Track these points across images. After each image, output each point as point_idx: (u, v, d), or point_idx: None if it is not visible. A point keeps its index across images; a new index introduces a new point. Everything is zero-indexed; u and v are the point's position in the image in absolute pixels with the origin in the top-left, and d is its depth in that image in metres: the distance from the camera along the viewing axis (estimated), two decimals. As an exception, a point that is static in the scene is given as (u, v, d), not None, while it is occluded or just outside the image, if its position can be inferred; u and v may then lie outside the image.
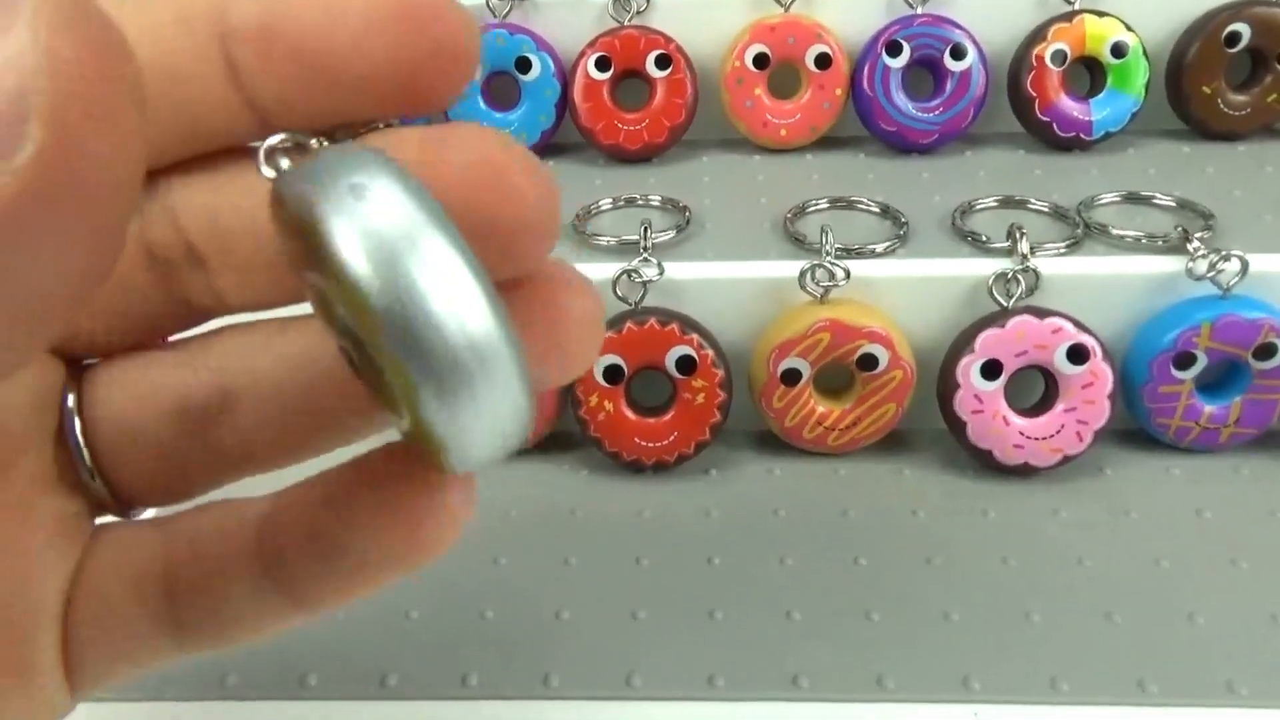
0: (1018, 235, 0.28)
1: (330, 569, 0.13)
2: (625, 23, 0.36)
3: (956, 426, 0.28)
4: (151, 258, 0.13)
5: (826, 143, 0.37)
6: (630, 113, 0.36)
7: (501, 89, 0.37)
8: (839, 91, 0.35)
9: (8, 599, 0.13)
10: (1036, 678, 0.22)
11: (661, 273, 0.28)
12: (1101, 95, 0.35)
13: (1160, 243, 0.28)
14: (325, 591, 0.13)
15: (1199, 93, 0.34)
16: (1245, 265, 0.27)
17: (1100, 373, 0.27)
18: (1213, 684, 0.22)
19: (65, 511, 0.13)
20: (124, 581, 0.13)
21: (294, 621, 0.14)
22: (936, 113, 0.35)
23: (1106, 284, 0.28)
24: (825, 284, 0.28)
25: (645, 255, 0.29)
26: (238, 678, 0.23)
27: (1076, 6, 0.34)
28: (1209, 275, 0.27)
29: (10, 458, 0.13)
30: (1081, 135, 0.35)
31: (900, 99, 0.35)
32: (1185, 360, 0.27)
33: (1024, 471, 0.28)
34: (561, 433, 0.30)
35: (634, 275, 0.28)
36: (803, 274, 0.28)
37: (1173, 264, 0.28)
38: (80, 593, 0.13)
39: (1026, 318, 0.27)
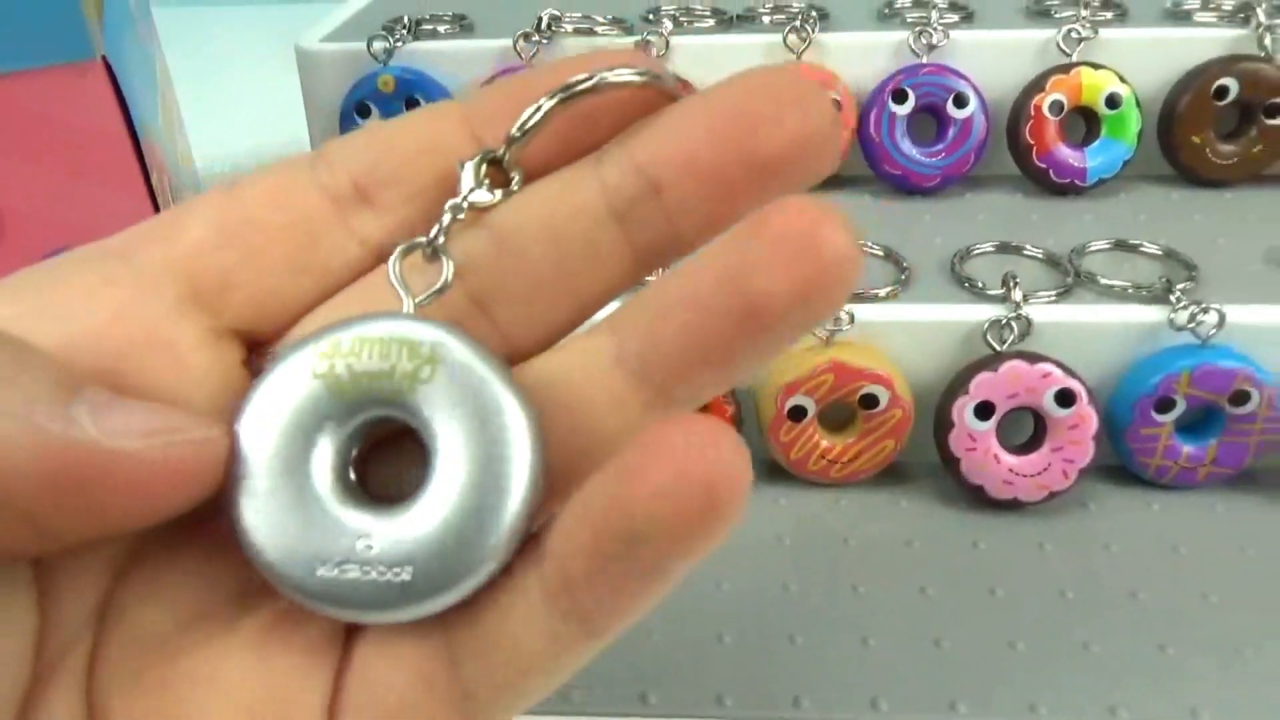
0: (1011, 284, 0.30)
1: (620, 585, 0.13)
2: (645, 66, 0.38)
3: (951, 463, 0.30)
4: None
5: (835, 182, 0.39)
6: (648, 152, 0.38)
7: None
8: (847, 135, 0.37)
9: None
10: (1017, 704, 0.24)
11: (677, 313, 0.30)
12: (1096, 144, 0.36)
13: (1145, 292, 0.30)
14: (618, 612, 0.13)
15: (1189, 142, 0.36)
16: (1222, 317, 0.29)
17: (1086, 415, 0.29)
18: (1179, 712, 0.24)
19: (314, 633, 0.14)
20: (406, 678, 0.14)
21: (589, 653, 0.14)
22: (939, 157, 0.37)
23: (1094, 331, 0.30)
24: (830, 328, 0.30)
25: (662, 296, 0.31)
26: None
27: (1074, 59, 0.36)
28: (1189, 326, 0.29)
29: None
30: (1076, 181, 0.37)
31: (905, 144, 0.37)
32: (1165, 405, 0.29)
33: (1013, 506, 0.30)
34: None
35: (652, 316, 0.30)
36: (809, 318, 0.30)
37: (1156, 314, 0.29)
38: (357, 701, 0.14)
39: (1018, 362, 0.29)
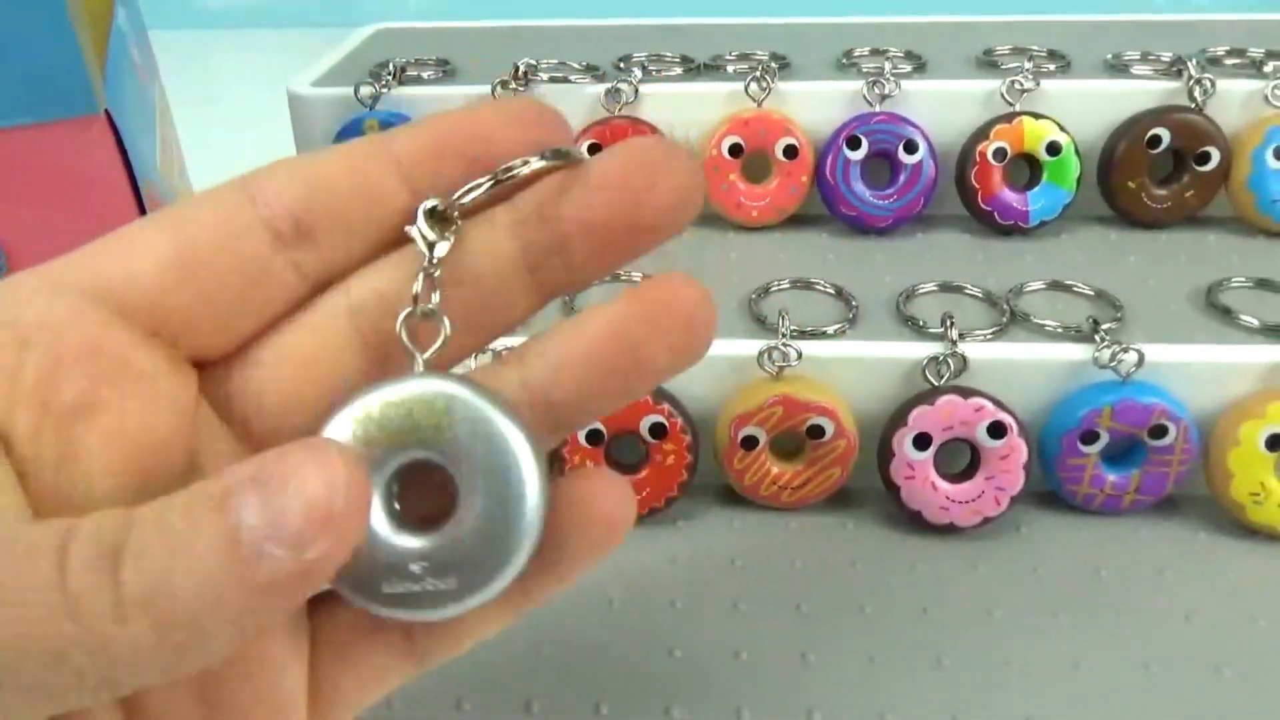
0: (949, 323, 0.32)
1: (543, 564, 0.17)
2: (615, 113, 0.40)
3: (892, 490, 0.32)
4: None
5: (794, 221, 0.41)
6: (618, 193, 0.40)
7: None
8: (805, 179, 0.40)
9: (264, 697, 0.17)
10: (939, 717, 0.26)
11: (639, 349, 0.32)
12: (1038, 188, 0.39)
13: (1074, 332, 0.32)
14: (542, 585, 0.18)
15: (1125, 187, 0.39)
16: (1141, 357, 0.31)
17: (1016, 446, 0.31)
18: (1088, 722, 0.26)
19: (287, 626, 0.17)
20: (363, 631, 0.18)
21: (516, 617, 0.18)
22: (891, 200, 0.39)
23: (1025, 368, 0.32)
24: (780, 364, 0.32)
25: (625, 333, 0.33)
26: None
27: (1017, 109, 0.39)
28: (1111, 365, 0.31)
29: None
30: (1019, 223, 0.39)
31: (859, 187, 0.39)
32: (1090, 437, 0.31)
33: (950, 530, 0.32)
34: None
35: (614, 352, 0.32)
36: (760, 354, 0.32)
37: (1083, 352, 0.32)
38: (325, 655, 0.18)
39: (953, 397, 0.31)
